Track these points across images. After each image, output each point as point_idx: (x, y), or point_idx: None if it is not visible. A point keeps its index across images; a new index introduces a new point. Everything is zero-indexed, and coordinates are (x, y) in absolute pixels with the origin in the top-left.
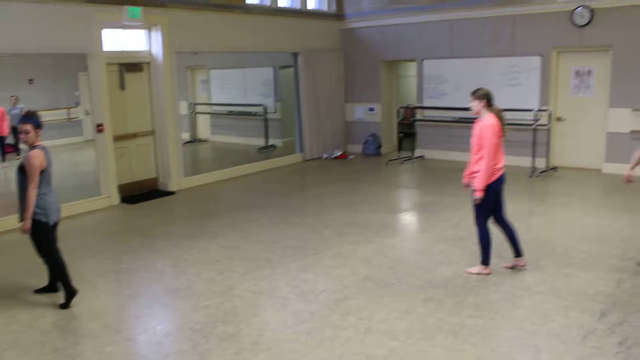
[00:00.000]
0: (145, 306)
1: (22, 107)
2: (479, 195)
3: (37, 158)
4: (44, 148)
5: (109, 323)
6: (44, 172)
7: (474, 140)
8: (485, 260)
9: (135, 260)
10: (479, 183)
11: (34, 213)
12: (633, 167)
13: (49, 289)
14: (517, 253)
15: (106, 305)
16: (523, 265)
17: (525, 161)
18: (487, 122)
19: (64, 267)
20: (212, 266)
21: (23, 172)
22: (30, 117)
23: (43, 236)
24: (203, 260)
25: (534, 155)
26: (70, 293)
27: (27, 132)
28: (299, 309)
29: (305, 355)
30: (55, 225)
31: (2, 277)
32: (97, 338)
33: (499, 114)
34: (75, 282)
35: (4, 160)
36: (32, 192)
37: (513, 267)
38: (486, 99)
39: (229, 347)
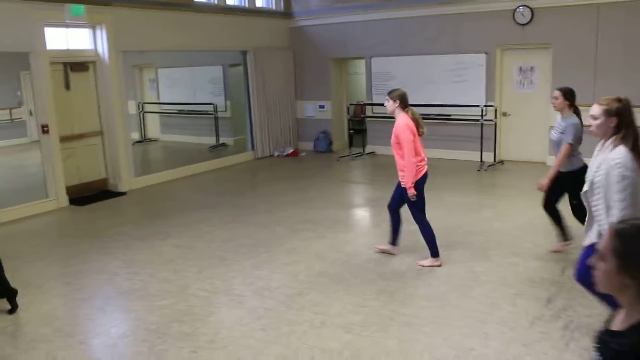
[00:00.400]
0: (99, 309)
1: None
2: (411, 192)
3: None
4: None
5: (61, 327)
6: None
7: (392, 140)
8: (435, 253)
9: (86, 263)
10: (407, 181)
11: None
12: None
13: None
14: (394, 242)
15: (57, 308)
16: (394, 254)
17: (473, 155)
18: (400, 121)
19: None
20: (165, 266)
21: None
22: None
23: None
24: (156, 260)
25: (481, 150)
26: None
27: None
28: (254, 306)
29: (262, 351)
30: None
31: None
32: (49, 342)
33: (413, 115)
34: (23, 286)
35: None
36: None
37: (383, 252)
38: (400, 99)
39: (185, 346)
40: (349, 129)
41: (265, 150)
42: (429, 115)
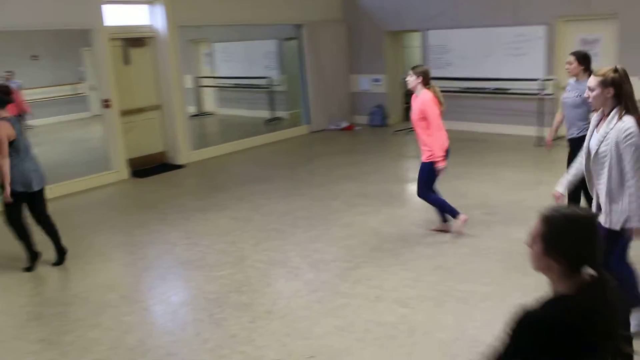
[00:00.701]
0: (160, 277)
1: (19, 82)
2: (441, 165)
3: (2, 129)
4: (10, 119)
5: (126, 294)
6: (15, 142)
7: (413, 116)
8: (454, 214)
9: (147, 233)
10: (435, 155)
11: (13, 183)
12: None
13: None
14: (444, 218)
15: (123, 276)
16: (448, 231)
17: (530, 130)
18: (424, 97)
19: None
20: (223, 238)
21: None
22: None
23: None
24: (214, 232)
25: (540, 125)
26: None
27: None
28: (310, 279)
29: (318, 322)
30: (39, 192)
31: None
32: (115, 308)
33: (435, 92)
34: (91, 255)
35: None
36: (2, 162)
37: (437, 231)
38: (423, 75)
39: (244, 315)
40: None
41: (320, 123)
42: (486, 89)
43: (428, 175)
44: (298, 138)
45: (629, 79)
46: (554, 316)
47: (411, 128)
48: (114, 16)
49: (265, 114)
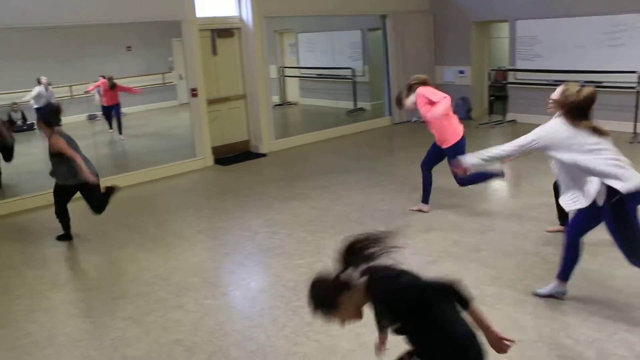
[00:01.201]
0: (240, 263)
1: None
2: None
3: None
4: (63, 134)
5: (207, 278)
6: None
7: (423, 109)
8: (425, 200)
9: (230, 220)
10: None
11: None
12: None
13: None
14: (426, 200)
15: (204, 261)
16: (426, 211)
17: (626, 126)
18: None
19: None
20: (303, 227)
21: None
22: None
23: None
24: (294, 220)
25: (636, 120)
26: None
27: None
28: None
29: None
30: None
31: (110, 233)
32: (196, 291)
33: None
34: (174, 238)
35: (111, 127)
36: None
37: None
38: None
39: None
40: (489, 96)
41: (402, 115)
42: (577, 81)
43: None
44: (380, 129)
45: None
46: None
47: (496, 121)
48: (204, 7)
49: (347, 104)
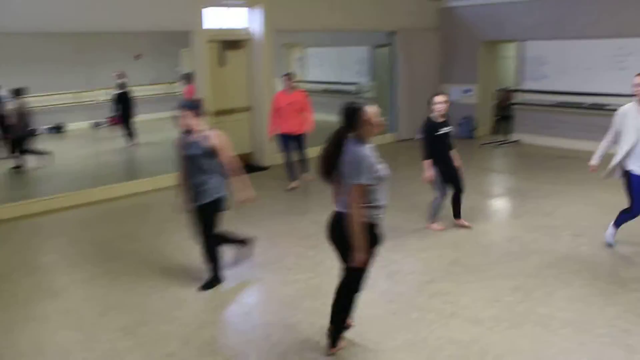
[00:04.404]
0: (237, 277)
1: (125, 80)
2: None
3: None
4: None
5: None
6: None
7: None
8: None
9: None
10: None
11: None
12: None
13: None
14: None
15: (201, 273)
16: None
17: None
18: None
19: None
20: (302, 241)
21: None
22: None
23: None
24: (294, 234)
25: None
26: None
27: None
28: (385, 289)
29: (390, 335)
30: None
31: (108, 241)
32: (191, 304)
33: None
34: (172, 250)
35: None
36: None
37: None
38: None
39: (317, 322)
40: (494, 115)
41: (407, 132)
42: (582, 104)
43: None
44: (384, 146)
45: None
46: None
47: (500, 141)
48: (214, 19)
49: None
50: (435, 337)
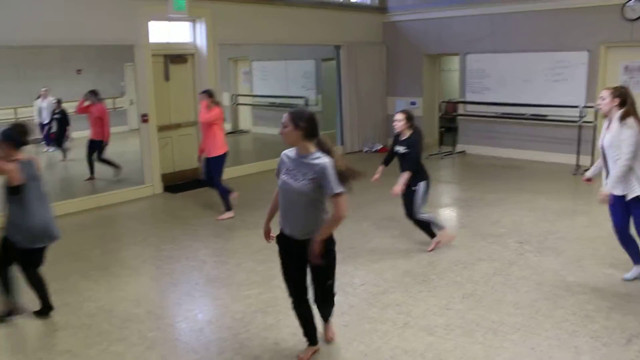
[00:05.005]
0: (187, 294)
1: (53, 99)
2: None
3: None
4: (22, 162)
5: (152, 309)
6: (24, 187)
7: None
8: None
9: (177, 249)
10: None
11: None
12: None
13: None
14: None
15: (149, 291)
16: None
17: (569, 158)
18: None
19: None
20: (253, 256)
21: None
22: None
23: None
24: (244, 250)
25: (578, 153)
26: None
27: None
28: (337, 302)
29: (343, 347)
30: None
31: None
32: (140, 323)
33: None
34: (119, 268)
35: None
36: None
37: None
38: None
39: (269, 336)
40: (440, 127)
41: (354, 145)
42: (523, 115)
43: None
44: None
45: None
46: None
47: (446, 152)
48: (157, 33)
49: None
50: (389, 348)
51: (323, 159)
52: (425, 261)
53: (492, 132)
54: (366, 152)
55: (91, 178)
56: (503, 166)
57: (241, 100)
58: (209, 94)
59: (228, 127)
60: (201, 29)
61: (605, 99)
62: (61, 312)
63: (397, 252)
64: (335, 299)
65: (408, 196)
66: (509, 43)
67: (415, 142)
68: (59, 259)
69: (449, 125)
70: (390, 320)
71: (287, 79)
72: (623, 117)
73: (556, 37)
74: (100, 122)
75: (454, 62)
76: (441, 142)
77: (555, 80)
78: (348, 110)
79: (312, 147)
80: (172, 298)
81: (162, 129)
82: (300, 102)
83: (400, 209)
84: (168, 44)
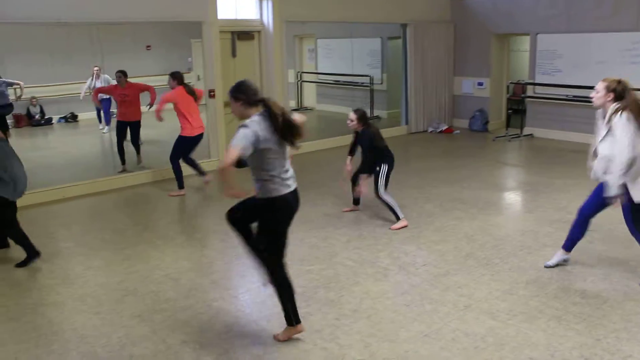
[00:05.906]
0: (250, 267)
1: (107, 77)
2: None
3: None
4: None
5: (217, 280)
6: None
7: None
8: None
9: None
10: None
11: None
12: None
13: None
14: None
15: (215, 262)
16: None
17: None
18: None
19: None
20: (315, 232)
21: None
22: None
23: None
24: (307, 226)
25: None
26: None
27: None
28: (399, 281)
29: (404, 326)
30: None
31: (124, 229)
32: (205, 293)
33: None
34: (185, 239)
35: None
36: None
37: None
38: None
39: (330, 312)
40: (507, 109)
41: (418, 125)
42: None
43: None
44: (396, 138)
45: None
46: None
47: (513, 135)
48: (225, 9)
49: None
50: (450, 329)
51: (245, 122)
52: (489, 244)
53: (563, 116)
54: (431, 132)
55: (124, 170)
56: (573, 151)
57: (306, 77)
58: (172, 75)
59: (292, 104)
60: (268, 5)
61: (598, 92)
62: (131, 278)
63: (461, 234)
64: (397, 278)
65: (375, 177)
66: (583, 22)
67: (365, 138)
68: (129, 228)
69: (517, 107)
70: (451, 302)
71: (353, 57)
72: (616, 112)
73: (636, 16)
74: (136, 102)
75: (523, 43)
76: (508, 125)
77: (633, 62)
78: (413, 89)
79: (253, 113)
80: (236, 270)
81: (228, 104)
82: (365, 80)
83: (465, 193)
84: (235, 20)
